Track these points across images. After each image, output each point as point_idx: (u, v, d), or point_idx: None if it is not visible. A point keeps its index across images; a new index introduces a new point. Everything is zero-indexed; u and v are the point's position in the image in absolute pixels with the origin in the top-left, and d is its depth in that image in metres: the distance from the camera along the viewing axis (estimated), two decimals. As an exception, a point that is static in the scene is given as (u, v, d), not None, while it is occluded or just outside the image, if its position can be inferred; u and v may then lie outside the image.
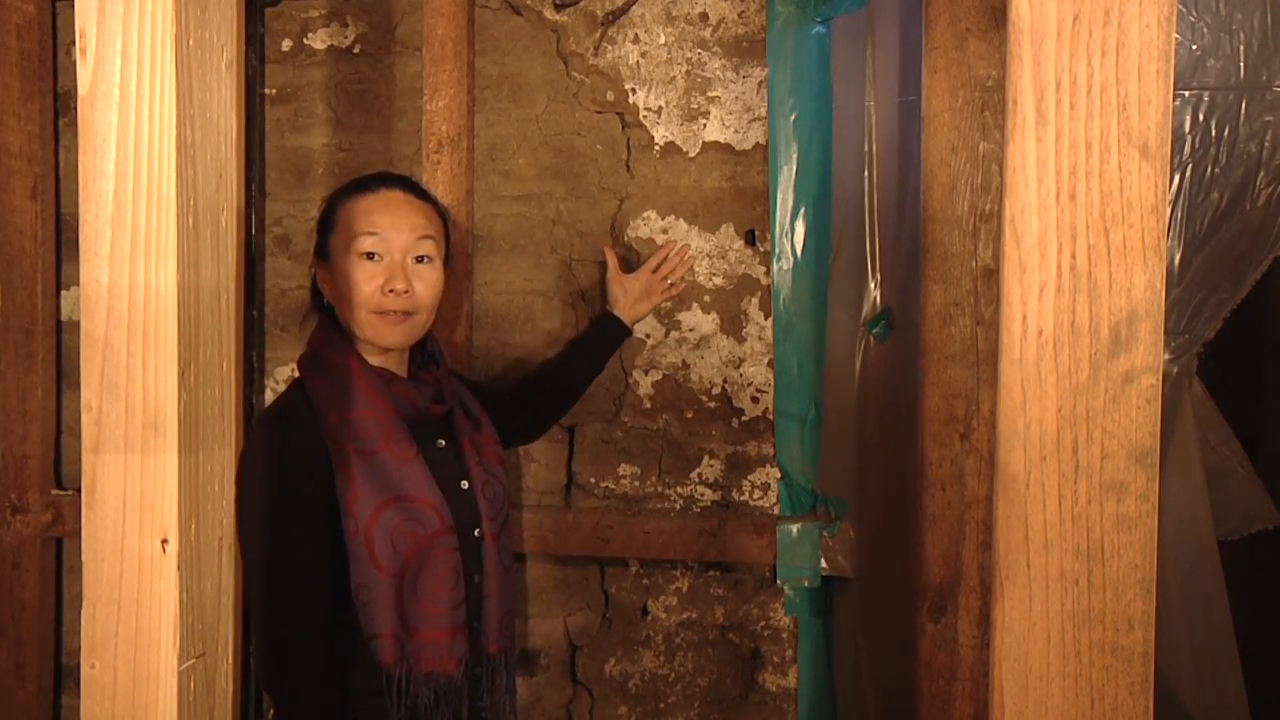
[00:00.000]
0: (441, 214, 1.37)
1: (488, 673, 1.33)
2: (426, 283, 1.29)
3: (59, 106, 2.05)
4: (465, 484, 1.32)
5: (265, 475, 1.19)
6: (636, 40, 1.85)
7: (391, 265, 1.26)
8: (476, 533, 1.31)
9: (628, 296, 1.72)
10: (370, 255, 1.26)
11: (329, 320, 1.32)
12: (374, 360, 1.31)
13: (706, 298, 1.85)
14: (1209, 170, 1.41)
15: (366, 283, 1.25)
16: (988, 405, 1.45)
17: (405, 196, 1.31)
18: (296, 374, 1.33)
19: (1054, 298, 0.56)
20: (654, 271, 1.75)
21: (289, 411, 1.26)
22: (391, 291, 1.25)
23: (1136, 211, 0.55)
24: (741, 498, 1.86)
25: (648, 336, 1.87)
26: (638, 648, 1.89)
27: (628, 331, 1.73)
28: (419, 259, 1.29)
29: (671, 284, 1.77)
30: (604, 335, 1.72)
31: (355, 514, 1.20)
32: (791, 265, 1.80)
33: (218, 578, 0.65)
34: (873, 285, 1.68)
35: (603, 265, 1.79)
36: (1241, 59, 1.39)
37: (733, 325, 1.85)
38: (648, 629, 1.89)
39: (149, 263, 0.61)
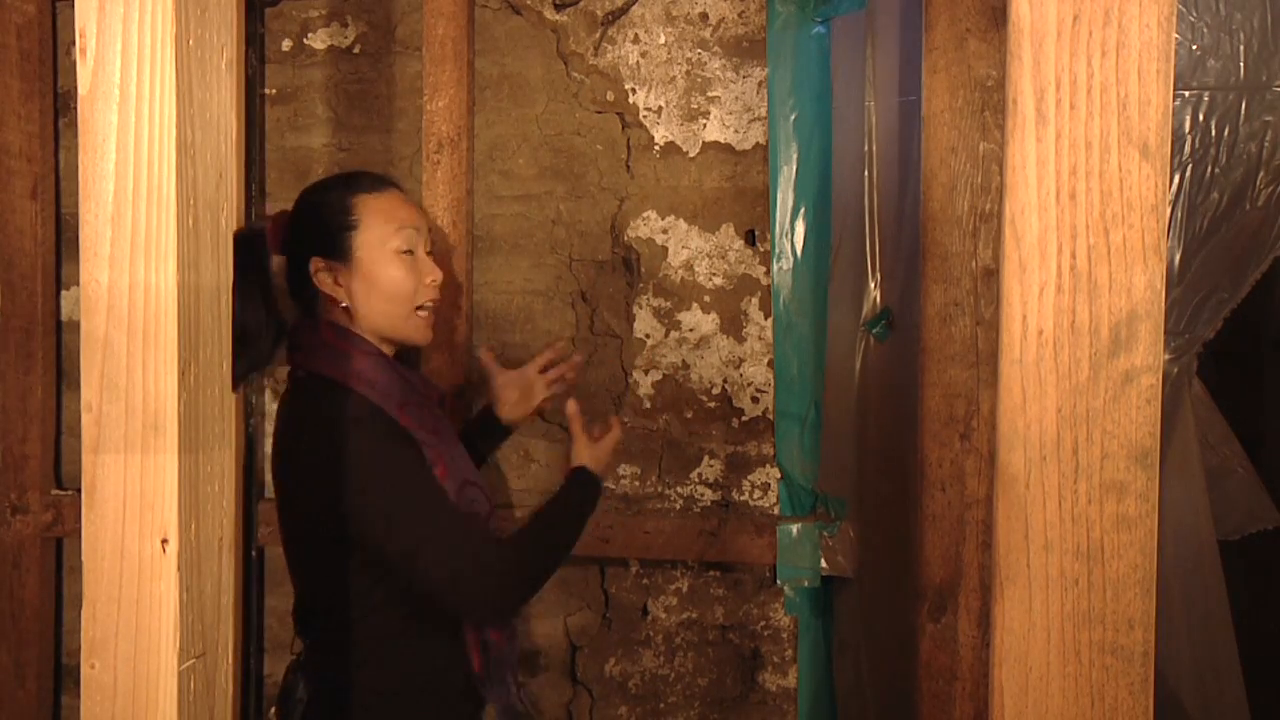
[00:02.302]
0: None
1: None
2: (443, 274, 1.34)
3: (59, 106, 2.05)
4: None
5: (394, 457, 1.20)
6: (636, 40, 1.85)
7: (422, 259, 1.30)
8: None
9: (509, 395, 1.55)
10: (408, 251, 1.28)
11: (333, 322, 1.29)
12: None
13: (706, 298, 1.85)
14: (1209, 170, 1.41)
15: (408, 279, 1.26)
16: (988, 405, 1.45)
17: (404, 195, 1.34)
18: (323, 376, 1.25)
19: (1054, 298, 0.56)
20: (541, 372, 1.56)
21: (355, 411, 1.21)
22: (433, 282, 1.29)
23: (1136, 211, 0.55)
24: (741, 498, 1.86)
25: (647, 336, 1.87)
26: (638, 648, 1.89)
27: (505, 430, 1.57)
28: (428, 252, 1.33)
29: (554, 392, 1.58)
30: (484, 430, 1.57)
31: (446, 493, 1.24)
32: (791, 265, 1.80)
33: (218, 578, 0.65)
34: (873, 285, 1.68)
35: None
36: (1241, 59, 1.38)
37: (733, 325, 1.85)
38: (648, 629, 1.89)
39: (149, 263, 0.61)
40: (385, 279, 1.25)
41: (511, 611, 1.31)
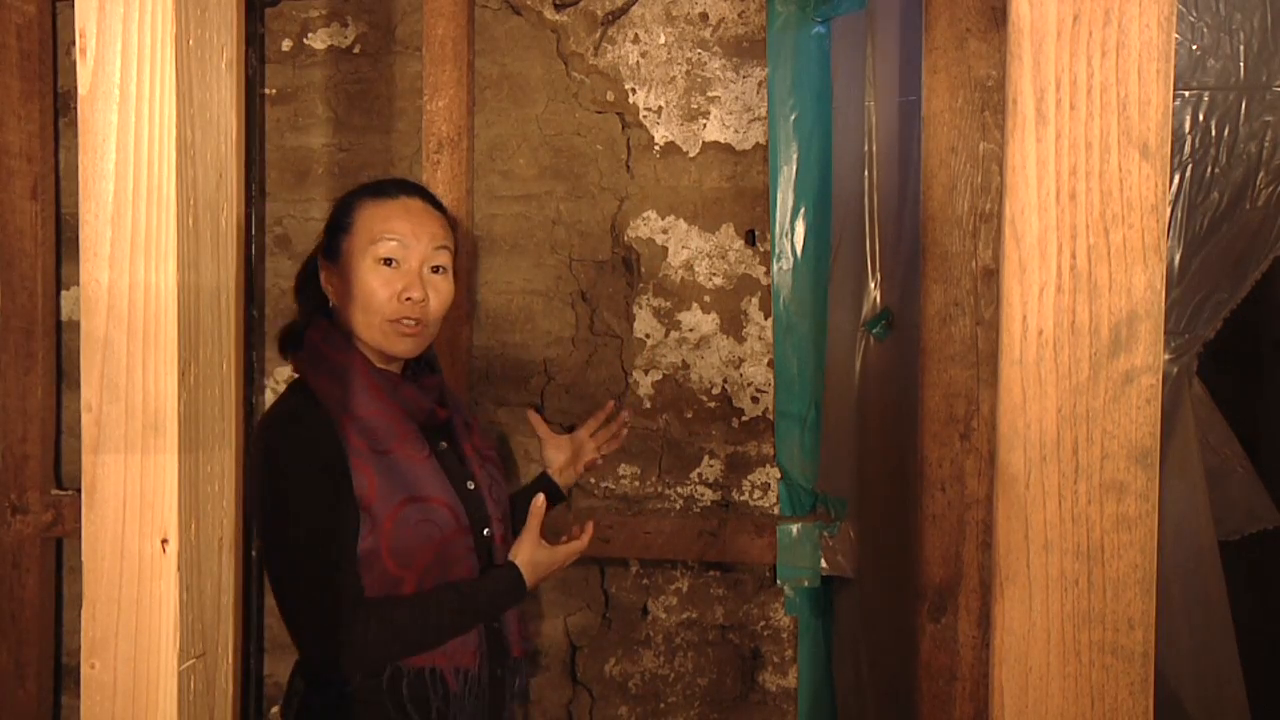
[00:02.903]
0: (453, 225, 1.37)
1: (509, 674, 1.33)
2: (440, 294, 1.28)
3: (59, 106, 2.05)
4: (471, 484, 1.32)
5: (297, 475, 1.18)
6: (636, 40, 1.85)
7: (409, 273, 1.24)
8: (486, 532, 1.31)
9: (559, 459, 1.54)
10: (388, 261, 1.24)
11: (329, 322, 1.30)
12: (377, 363, 1.30)
13: (706, 298, 1.85)
14: (1209, 170, 1.41)
15: (383, 289, 1.23)
16: (988, 405, 1.45)
17: (424, 206, 1.30)
18: (295, 375, 1.30)
19: (1054, 298, 0.56)
20: (591, 436, 1.56)
21: (299, 412, 1.23)
22: (409, 299, 1.23)
23: (1136, 211, 0.55)
24: (741, 498, 1.86)
25: (648, 336, 1.87)
26: (638, 648, 1.89)
27: (561, 496, 1.55)
28: (434, 269, 1.28)
29: (603, 456, 1.57)
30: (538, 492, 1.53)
31: (374, 513, 1.19)
32: (791, 265, 1.80)
33: (218, 578, 0.65)
34: (873, 285, 1.68)
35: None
36: (1241, 59, 1.38)
37: (733, 325, 1.85)
38: (648, 629, 1.89)
39: (149, 263, 0.61)
40: (358, 286, 1.24)
41: (339, 670, 1.18)
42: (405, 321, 1.25)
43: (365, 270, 1.24)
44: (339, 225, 1.28)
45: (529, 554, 1.30)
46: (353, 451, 1.20)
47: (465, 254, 1.86)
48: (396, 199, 1.28)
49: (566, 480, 1.55)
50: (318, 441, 1.20)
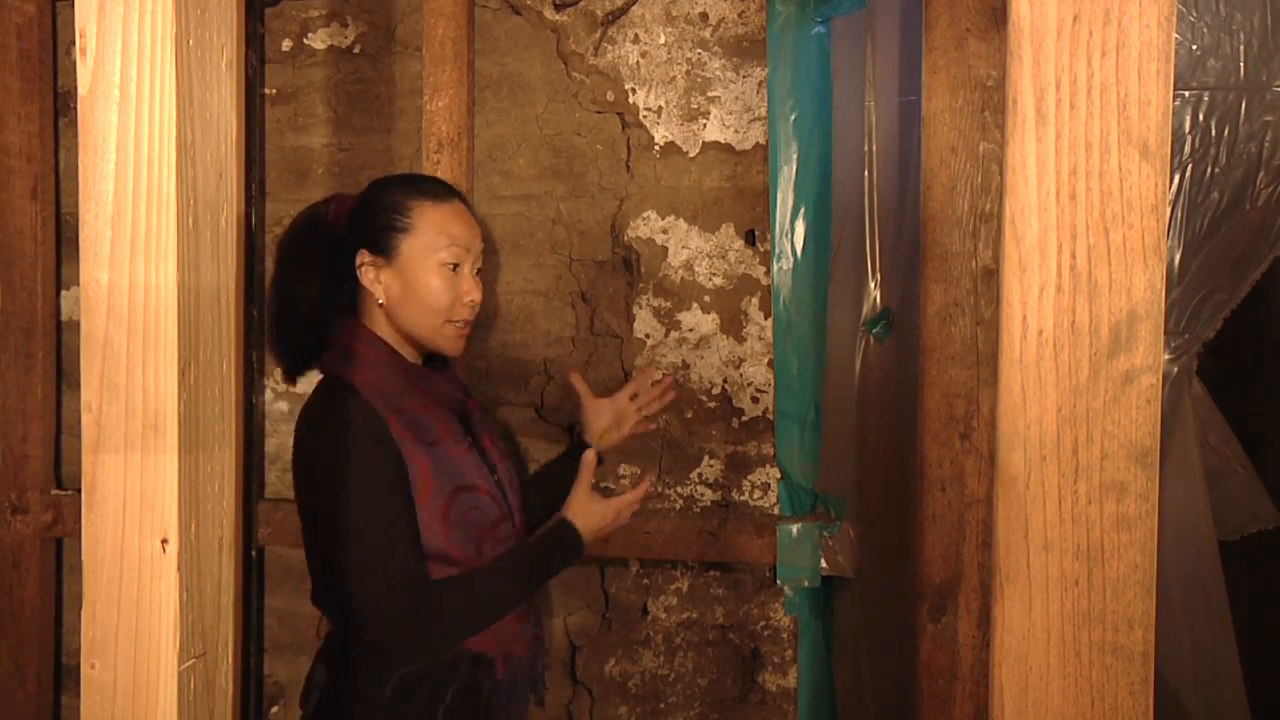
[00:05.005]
0: None
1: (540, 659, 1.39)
2: (482, 295, 1.34)
3: (59, 106, 2.05)
4: (495, 475, 1.34)
5: (363, 464, 1.19)
6: (636, 40, 1.85)
7: (465, 277, 1.30)
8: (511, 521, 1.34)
9: (600, 423, 1.54)
10: (453, 265, 1.28)
11: (356, 321, 1.31)
12: (408, 359, 1.32)
13: (706, 298, 1.85)
14: (1209, 170, 1.41)
15: (447, 292, 1.27)
16: (988, 405, 1.45)
17: (468, 211, 1.34)
18: (333, 375, 1.28)
19: (1054, 298, 0.56)
20: (632, 399, 1.54)
21: (348, 406, 1.23)
22: (470, 302, 1.29)
23: (1136, 211, 0.55)
24: (741, 498, 1.86)
25: (648, 336, 1.87)
26: (638, 648, 1.89)
27: (598, 459, 1.50)
28: (477, 272, 1.33)
29: (646, 417, 1.56)
30: (571, 459, 1.51)
31: (429, 504, 1.22)
32: (791, 265, 1.80)
33: (218, 578, 0.65)
34: (873, 285, 1.68)
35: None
36: (1241, 59, 1.39)
37: (733, 325, 1.85)
38: (648, 629, 1.89)
39: (149, 263, 0.61)
40: (423, 288, 1.27)
41: (414, 653, 1.22)
42: (461, 323, 1.30)
43: (431, 273, 1.27)
44: (393, 225, 1.28)
45: (581, 506, 1.32)
46: (404, 445, 1.22)
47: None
48: (451, 203, 1.31)
49: (607, 444, 1.55)
50: (375, 432, 1.21)
